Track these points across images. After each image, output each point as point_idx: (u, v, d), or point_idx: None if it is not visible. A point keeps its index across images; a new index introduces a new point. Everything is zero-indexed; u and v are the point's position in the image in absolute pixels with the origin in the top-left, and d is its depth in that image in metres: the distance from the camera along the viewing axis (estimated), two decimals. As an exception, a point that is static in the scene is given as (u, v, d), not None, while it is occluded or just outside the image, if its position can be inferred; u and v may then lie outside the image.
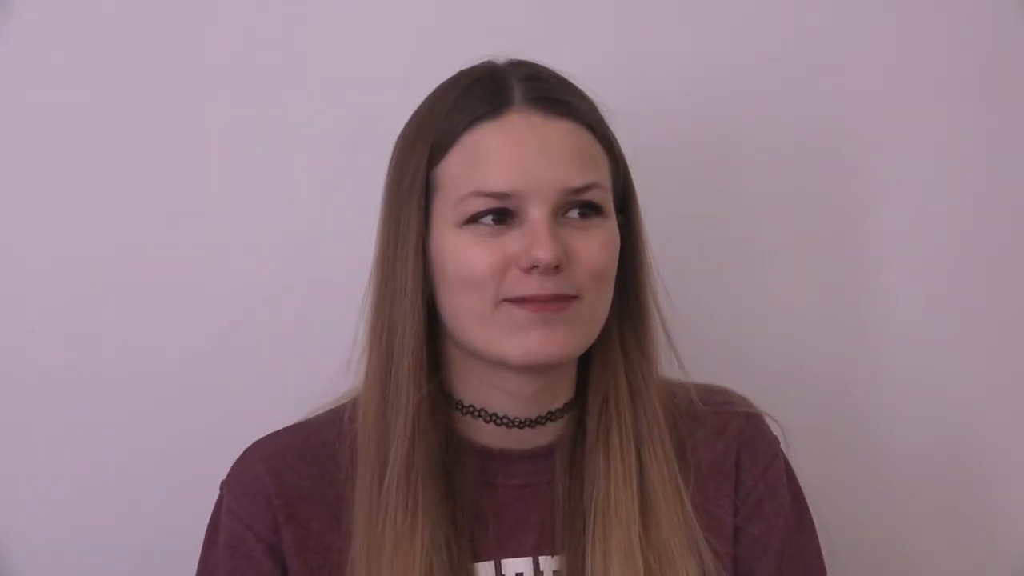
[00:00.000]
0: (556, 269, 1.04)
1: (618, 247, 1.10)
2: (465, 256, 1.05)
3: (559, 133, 1.07)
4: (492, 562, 1.11)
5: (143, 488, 1.39)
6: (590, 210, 1.07)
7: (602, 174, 1.09)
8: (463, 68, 1.12)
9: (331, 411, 1.16)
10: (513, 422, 1.12)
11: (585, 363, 1.14)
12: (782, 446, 1.20)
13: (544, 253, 1.03)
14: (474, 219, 1.06)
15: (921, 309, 1.46)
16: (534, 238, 1.04)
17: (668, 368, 1.19)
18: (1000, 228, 1.46)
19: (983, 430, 1.48)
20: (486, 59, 1.12)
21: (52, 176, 1.38)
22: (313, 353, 1.36)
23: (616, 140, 1.13)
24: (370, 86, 1.39)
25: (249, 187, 1.39)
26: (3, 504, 1.38)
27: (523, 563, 1.11)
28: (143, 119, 1.38)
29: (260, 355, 1.40)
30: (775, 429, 1.20)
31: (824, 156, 1.44)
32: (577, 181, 1.06)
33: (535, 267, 1.03)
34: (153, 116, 1.38)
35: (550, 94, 1.08)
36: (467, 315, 1.06)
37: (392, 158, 1.13)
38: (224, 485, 1.14)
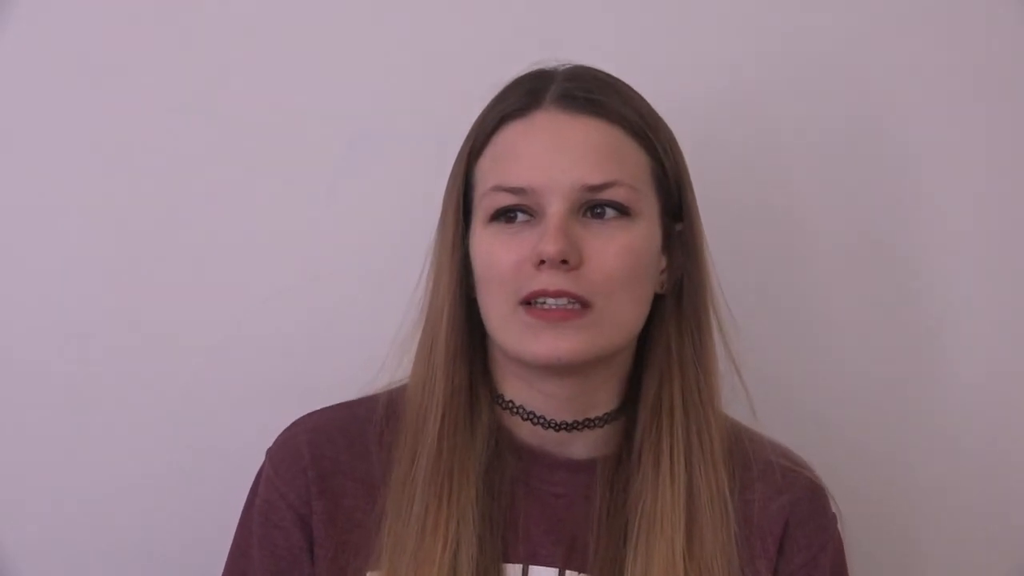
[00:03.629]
0: (564, 264, 1.03)
1: (647, 252, 1.07)
2: (488, 252, 1.06)
3: (582, 130, 1.06)
4: (521, 566, 1.09)
5: (143, 489, 1.38)
6: (613, 209, 1.06)
7: (630, 174, 1.07)
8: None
9: (386, 392, 1.15)
10: (550, 423, 1.10)
11: (639, 375, 1.13)
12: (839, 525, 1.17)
13: (550, 247, 1.02)
14: (496, 216, 1.06)
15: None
16: (544, 233, 1.03)
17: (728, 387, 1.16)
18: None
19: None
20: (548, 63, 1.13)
21: (53, 176, 1.37)
22: (313, 353, 1.37)
23: (670, 147, 1.11)
24: (370, 87, 1.39)
25: (249, 188, 1.38)
26: (3, 506, 1.38)
27: (550, 573, 1.09)
28: (142, 120, 1.37)
29: (260, 356, 1.39)
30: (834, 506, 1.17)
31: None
32: (595, 178, 1.04)
33: (543, 262, 1.03)
34: (152, 117, 1.37)
35: (580, 93, 1.07)
36: (493, 312, 1.07)
37: None
38: (268, 452, 1.15)
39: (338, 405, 1.16)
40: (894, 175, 1.41)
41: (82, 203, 1.37)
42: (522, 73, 1.12)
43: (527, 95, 1.08)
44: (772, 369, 1.37)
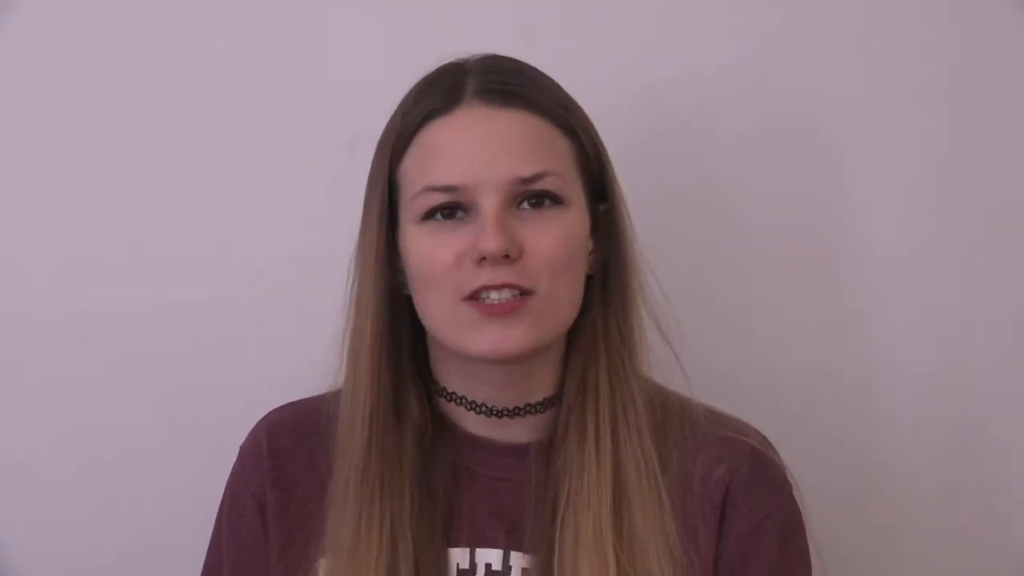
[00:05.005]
0: (506, 259, 1.03)
1: (580, 238, 1.08)
2: (424, 252, 1.06)
3: (507, 123, 1.06)
4: (468, 549, 1.11)
5: (142, 488, 1.40)
6: (545, 200, 1.06)
7: (559, 162, 1.07)
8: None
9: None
10: (492, 411, 1.12)
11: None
12: (794, 491, 1.15)
13: (490, 244, 1.03)
14: (429, 215, 1.06)
15: (914, 302, 1.43)
16: (482, 230, 1.04)
17: (668, 372, 1.16)
18: (990, 222, 1.43)
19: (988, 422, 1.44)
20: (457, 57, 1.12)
21: (54, 175, 1.38)
22: (312, 353, 1.37)
23: (588, 129, 1.11)
24: (371, 87, 1.38)
25: (249, 187, 1.40)
26: (3, 506, 1.39)
27: (495, 554, 1.11)
28: (142, 119, 1.39)
29: (259, 355, 1.40)
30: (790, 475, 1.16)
31: (811, 153, 1.42)
32: (526, 171, 1.05)
33: (484, 259, 1.03)
34: (153, 116, 1.39)
35: (500, 85, 1.07)
36: (433, 312, 1.07)
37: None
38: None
39: (304, 399, 1.19)
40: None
41: (82, 202, 1.39)
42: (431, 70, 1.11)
43: (447, 92, 1.08)
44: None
